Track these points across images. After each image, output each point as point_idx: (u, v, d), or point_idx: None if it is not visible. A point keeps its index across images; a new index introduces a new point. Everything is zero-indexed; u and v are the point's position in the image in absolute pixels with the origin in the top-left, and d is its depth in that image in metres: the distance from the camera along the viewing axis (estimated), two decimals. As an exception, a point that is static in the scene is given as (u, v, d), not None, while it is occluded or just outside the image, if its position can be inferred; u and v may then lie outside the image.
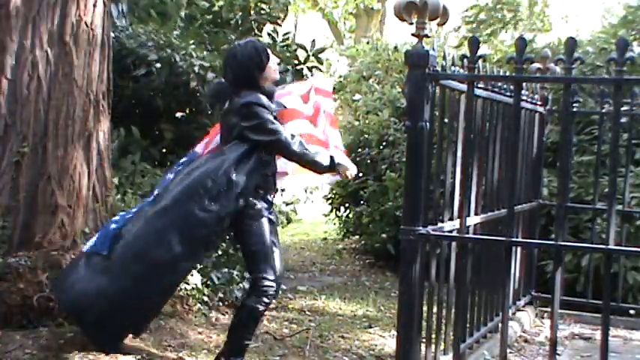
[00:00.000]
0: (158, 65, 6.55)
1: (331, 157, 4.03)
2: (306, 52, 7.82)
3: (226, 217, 3.75)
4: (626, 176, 5.55)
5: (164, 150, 6.77)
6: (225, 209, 3.71)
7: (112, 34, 6.47)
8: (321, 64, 8.06)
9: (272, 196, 4.01)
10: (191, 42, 6.81)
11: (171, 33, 6.85)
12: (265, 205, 3.92)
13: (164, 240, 3.64)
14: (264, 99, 3.93)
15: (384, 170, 8.32)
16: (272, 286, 3.80)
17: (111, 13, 6.63)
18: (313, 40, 7.98)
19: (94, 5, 5.38)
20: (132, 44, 6.62)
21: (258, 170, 3.86)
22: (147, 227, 3.74)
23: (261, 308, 3.85)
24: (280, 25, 8.44)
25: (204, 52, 6.78)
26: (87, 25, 5.32)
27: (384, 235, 8.01)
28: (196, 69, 6.47)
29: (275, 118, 3.97)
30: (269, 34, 8.19)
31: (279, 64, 4.21)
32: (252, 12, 8.01)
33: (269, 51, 4.03)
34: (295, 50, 7.88)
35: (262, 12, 8.12)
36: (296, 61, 7.77)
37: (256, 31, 8.07)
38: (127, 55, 6.63)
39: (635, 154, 6.20)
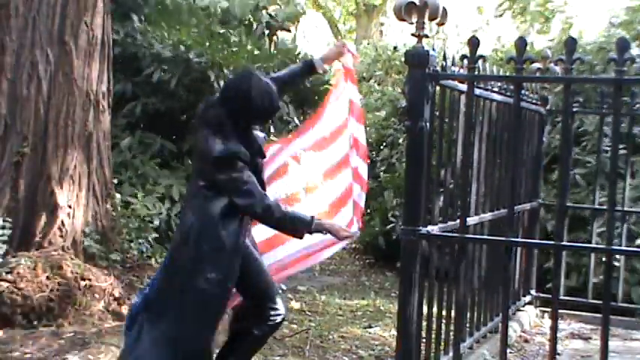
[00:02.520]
0: (165, 67, 6.57)
1: (311, 218, 3.45)
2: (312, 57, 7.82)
3: (228, 280, 3.42)
4: (625, 188, 5.54)
5: (170, 151, 6.77)
6: (225, 272, 3.39)
7: (124, 38, 6.51)
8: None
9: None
10: (205, 40, 6.83)
11: (183, 33, 6.87)
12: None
13: (186, 327, 3.37)
14: (242, 150, 3.36)
15: (384, 171, 8.33)
16: (279, 314, 3.56)
17: (130, 18, 6.66)
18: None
19: (94, 5, 5.38)
20: (145, 45, 6.62)
21: (245, 219, 3.47)
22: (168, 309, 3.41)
23: (268, 336, 3.67)
24: (289, 31, 8.50)
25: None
26: (87, 25, 5.33)
27: (376, 229, 8.04)
28: (218, 59, 6.50)
29: (256, 167, 3.46)
30: (275, 39, 8.25)
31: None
32: (262, 18, 8.05)
33: (274, 96, 3.47)
34: (298, 54, 7.90)
35: (272, 17, 8.16)
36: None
37: (265, 36, 8.11)
38: (143, 58, 6.63)
39: (634, 164, 6.19)
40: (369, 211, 8.42)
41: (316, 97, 7.71)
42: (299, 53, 8.00)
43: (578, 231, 6.07)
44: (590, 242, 5.52)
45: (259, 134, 3.62)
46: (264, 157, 3.61)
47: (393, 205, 7.83)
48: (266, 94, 3.43)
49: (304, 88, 7.50)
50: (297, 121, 7.47)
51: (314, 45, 8.27)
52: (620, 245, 5.26)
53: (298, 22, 9.02)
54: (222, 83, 6.61)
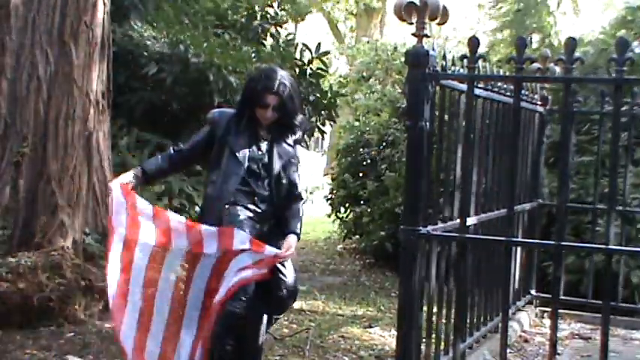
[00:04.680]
0: (164, 66, 6.58)
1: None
2: (311, 53, 7.85)
3: None
4: (626, 177, 5.54)
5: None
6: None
7: (121, 36, 6.52)
8: (326, 66, 8.10)
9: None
10: (203, 40, 6.85)
11: (182, 32, 6.89)
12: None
13: None
14: (214, 117, 3.77)
15: (384, 170, 8.33)
16: None
17: (130, 18, 6.68)
18: (319, 43, 8.01)
19: (94, 5, 5.38)
20: (142, 43, 6.65)
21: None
22: None
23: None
24: (284, 29, 8.50)
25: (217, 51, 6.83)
26: (87, 25, 5.33)
27: (382, 233, 8.02)
28: (217, 60, 6.53)
29: (215, 127, 3.72)
30: (272, 35, 8.23)
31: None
32: (257, 16, 8.05)
33: (263, 99, 3.65)
34: (302, 50, 7.91)
35: (268, 16, 8.18)
36: (300, 62, 7.82)
37: (261, 34, 8.11)
38: (141, 55, 6.66)
39: (634, 154, 6.19)
40: (369, 210, 8.42)
41: (314, 98, 7.74)
42: (299, 47, 8.01)
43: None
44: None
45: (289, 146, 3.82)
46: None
47: (400, 202, 7.74)
48: (259, 77, 3.74)
49: (302, 90, 7.53)
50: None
51: (314, 45, 8.21)
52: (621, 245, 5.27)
53: (303, 19, 9.06)
54: (221, 84, 6.61)
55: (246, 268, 3.42)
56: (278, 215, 3.77)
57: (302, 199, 3.85)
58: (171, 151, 3.80)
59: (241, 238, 3.43)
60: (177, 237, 3.47)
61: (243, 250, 3.41)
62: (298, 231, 3.74)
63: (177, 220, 3.52)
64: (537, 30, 13.56)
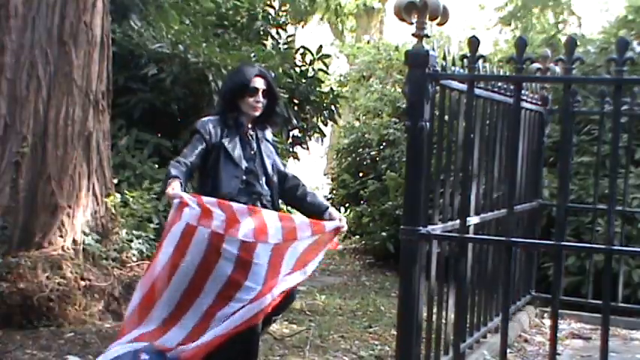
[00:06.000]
0: (163, 66, 6.58)
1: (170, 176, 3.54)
2: (312, 55, 7.92)
3: None
4: (626, 177, 5.54)
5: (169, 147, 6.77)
6: None
7: (122, 36, 6.52)
8: (327, 67, 8.16)
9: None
10: (202, 40, 6.86)
11: (181, 32, 6.90)
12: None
13: None
14: (204, 127, 3.72)
15: (385, 170, 8.33)
16: None
17: (130, 18, 6.68)
18: (320, 46, 8.08)
19: (94, 5, 5.38)
20: (144, 43, 6.65)
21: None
22: None
23: None
24: (285, 31, 8.55)
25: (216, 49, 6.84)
26: (86, 25, 5.33)
27: (383, 234, 8.03)
28: (216, 60, 6.55)
29: (208, 137, 3.69)
30: (272, 37, 8.27)
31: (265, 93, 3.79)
32: (259, 17, 8.09)
33: (252, 83, 3.73)
34: (303, 54, 7.98)
35: (269, 17, 8.22)
36: (301, 63, 7.87)
37: (262, 35, 8.15)
38: (141, 55, 6.66)
39: (634, 154, 6.19)
40: (369, 210, 8.42)
41: (315, 98, 7.77)
42: (298, 50, 8.06)
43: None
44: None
45: (269, 135, 3.92)
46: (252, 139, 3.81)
47: (400, 203, 7.76)
48: (240, 69, 3.92)
49: (302, 90, 7.56)
50: (295, 121, 7.50)
51: (314, 45, 8.29)
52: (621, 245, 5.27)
53: (303, 20, 9.17)
54: (221, 84, 6.62)
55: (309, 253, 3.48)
56: (300, 206, 3.91)
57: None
58: (183, 165, 3.62)
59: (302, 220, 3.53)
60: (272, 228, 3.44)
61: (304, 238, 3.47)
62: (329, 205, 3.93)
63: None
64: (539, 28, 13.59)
